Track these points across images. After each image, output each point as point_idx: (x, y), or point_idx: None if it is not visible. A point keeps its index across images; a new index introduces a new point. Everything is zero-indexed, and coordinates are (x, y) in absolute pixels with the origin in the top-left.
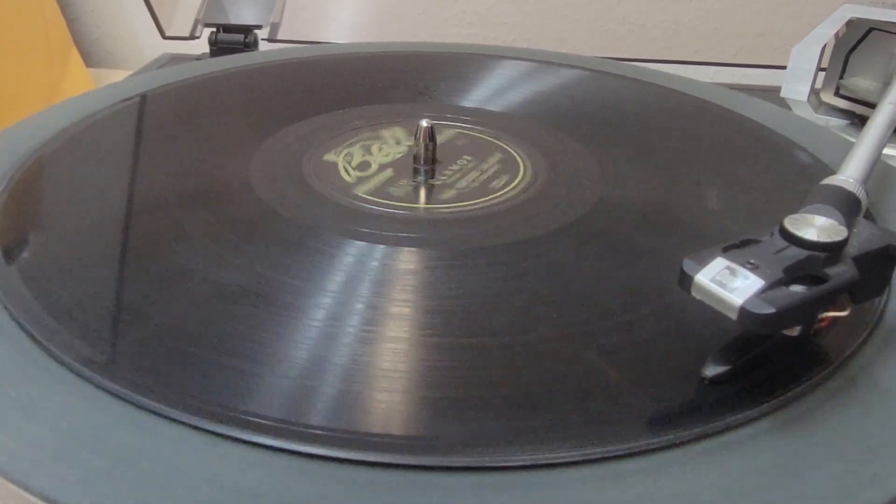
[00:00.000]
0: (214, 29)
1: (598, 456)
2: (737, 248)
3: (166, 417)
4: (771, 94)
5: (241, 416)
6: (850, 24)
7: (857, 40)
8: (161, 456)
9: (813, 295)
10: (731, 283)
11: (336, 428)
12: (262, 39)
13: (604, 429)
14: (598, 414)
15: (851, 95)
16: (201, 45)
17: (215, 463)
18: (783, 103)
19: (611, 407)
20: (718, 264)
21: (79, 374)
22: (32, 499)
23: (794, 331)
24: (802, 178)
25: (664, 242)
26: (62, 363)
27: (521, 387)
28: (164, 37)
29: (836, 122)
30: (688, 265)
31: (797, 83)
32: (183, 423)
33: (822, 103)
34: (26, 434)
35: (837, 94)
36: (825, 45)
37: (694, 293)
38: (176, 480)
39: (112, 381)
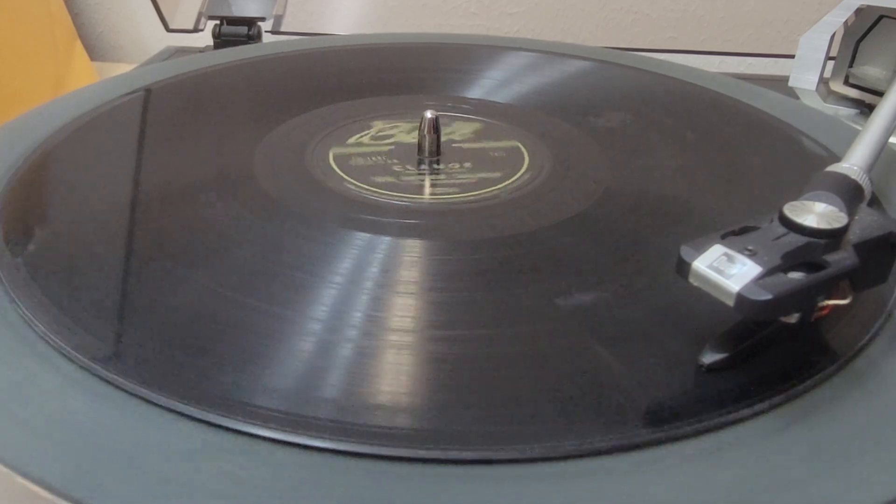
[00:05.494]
0: (218, 21)
1: (603, 449)
2: (735, 234)
3: (171, 410)
4: (779, 83)
5: (246, 409)
6: (860, 11)
7: (866, 28)
8: (166, 449)
9: (811, 282)
10: (728, 270)
11: (341, 420)
12: (266, 32)
13: (607, 422)
14: (601, 407)
15: (861, 84)
16: (205, 38)
17: (220, 456)
18: (791, 93)
19: (614, 400)
20: (716, 251)
21: (84, 367)
22: (38, 491)
23: (793, 318)
24: (810, 167)
25: (670, 233)
26: (67, 356)
27: (525, 379)
28: (168, 30)
29: (845, 112)
30: (685, 252)
31: (806, 72)
32: (188, 415)
33: (831, 92)
34: (32, 427)
35: (847, 82)
36: (834, 34)
37: (691, 280)
38: (181, 473)
39: (117, 374)
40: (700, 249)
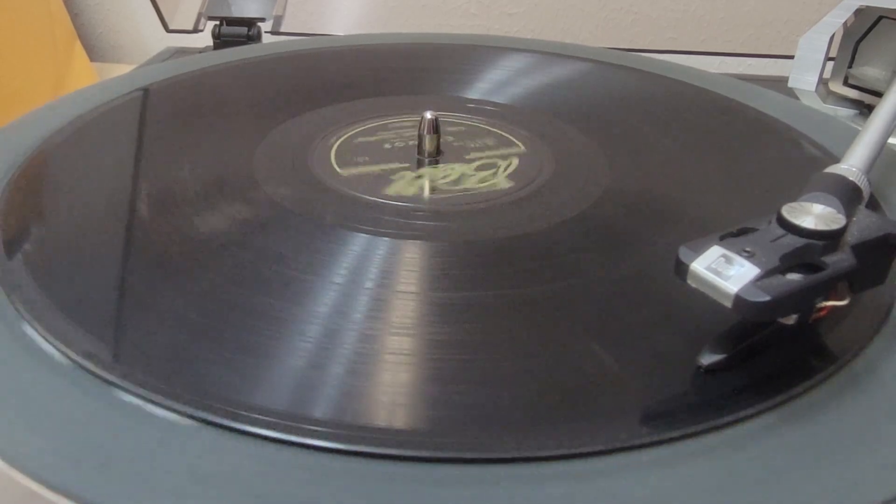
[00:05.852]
0: (218, 22)
1: (601, 450)
2: (734, 236)
3: (171, 410)
4: (778, 84)
5: (247, 409)
6: (860, 12)
7: (866, 29)
8: (166, 449)
9: (809, 283)
10: (726, 271)
11: (340, 421)
12: (266, 32)
13: (606, 423)
14: (600, 407)
15: (860, 85)
16: (205, 39)
17: (221, 456)
18: (791, 93)
19: (613, 401)
20: (714, 252)
21: (84, 367)
22: (39, 491)
23: (791, 319)
24: (809, 168)
25: (669, 234)
26: (67, 357)
27: (524, 379)
28: (168, 30)
29: (844, 112)
30: (683, 253)
31: (805, 73)
32: (188, 415)
33: (830, 93)
34: (32, 427)
35: (846, 83)
36: (834, 34)
37: (689, 281)
38: (180, 473)
39: (117, 374)
40: (698, 251)
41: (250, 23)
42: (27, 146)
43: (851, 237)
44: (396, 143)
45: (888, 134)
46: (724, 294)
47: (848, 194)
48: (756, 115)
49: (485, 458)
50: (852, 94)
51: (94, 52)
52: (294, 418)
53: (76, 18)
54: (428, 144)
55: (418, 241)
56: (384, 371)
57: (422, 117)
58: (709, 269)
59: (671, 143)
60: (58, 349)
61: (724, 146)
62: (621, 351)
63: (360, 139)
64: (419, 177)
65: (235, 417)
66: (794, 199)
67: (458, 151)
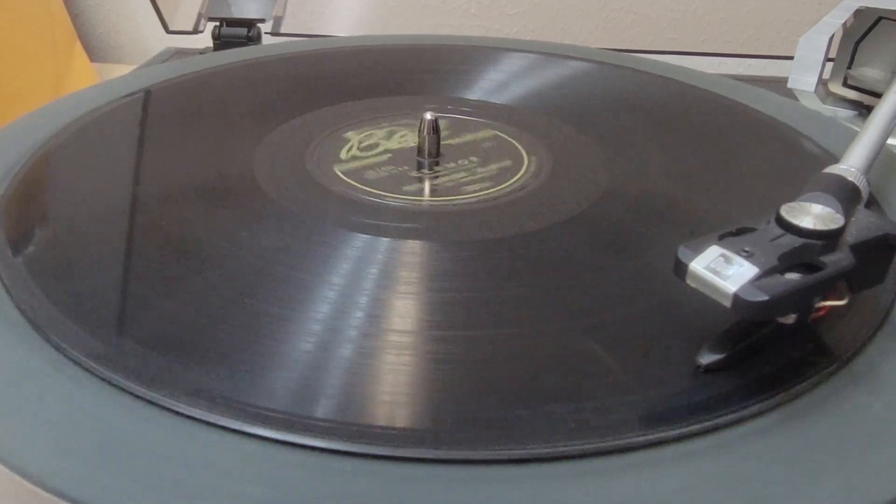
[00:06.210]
0: (217, 23)
1: (601, 450)
2: (733, 235)
3: (172, 410)
4: (778, 84)
5: (247, 409)
6: (859, 13)
7: (865, 30)
8: (166, 448)
9: (807, 283)
10: (725, 271)
11: (340, 421)
12: (266, 33)
13: (606, 422)
14: (600, 407)
15: (860, 85)
16: (205, 40)
17: (220, 455)
18: (790, 94)
19: (613, 401)
20: (713, 252)
21: (84, 367)
22: (38, 491)
23: (790, 319)
24: (809, 168)
25: (669, 235)
26: (68, 356)
27: (524, 379)
28: (168, 31)
29: (844, 113)
30: (682, 253)
31: (804, 73)
32: (188, 416)
33: (829, 94)
34: (32, 426)
35: (846, 84)
36: (833, 35)
37: (688, 281)
38: (180, 473)
39: (117, 374)
40: (697, 250)
41: (250, 23)
42: (28, 147)
43: (850, 237)
44: (396, 144)
45: (887, 134)
46: (723, 293)
47: (847, 194)
48: (756, 116)
49: (485, 459)
50: (852, 94)
51: (94, 52)
52: (294, 418)
53: (76, 19)
54: (428, 145)
55: (418, 242)
56: (384, 371)
57: (422, 118)
58: (708, 268)
59: (671, 143)
60: (58, 349)
61: (724, 146)
62: (620, 351)
63: (360, 140)
64: (419, 177)
65: (236, 417)
66: (793, 199)
67: (457, 152)
